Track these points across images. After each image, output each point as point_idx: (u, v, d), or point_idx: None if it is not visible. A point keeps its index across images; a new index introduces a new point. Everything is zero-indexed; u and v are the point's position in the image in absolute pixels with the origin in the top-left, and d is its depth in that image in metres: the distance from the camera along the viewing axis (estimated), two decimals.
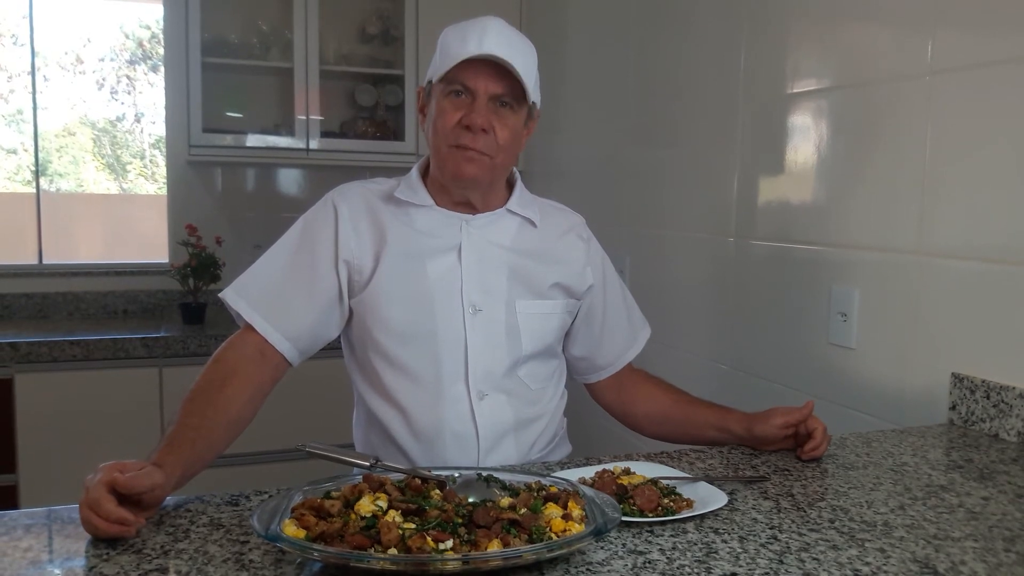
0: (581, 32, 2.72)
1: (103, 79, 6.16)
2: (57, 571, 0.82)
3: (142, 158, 6.00)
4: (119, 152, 6.86)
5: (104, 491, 0.88)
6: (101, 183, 6.98)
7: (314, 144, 2.94)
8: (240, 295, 1.28)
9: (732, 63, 1.90)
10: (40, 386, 2.51)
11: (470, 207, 1.34)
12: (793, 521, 0.96)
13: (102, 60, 6.06)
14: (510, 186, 1.41)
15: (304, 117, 2.92)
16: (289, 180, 3.26)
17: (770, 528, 0.94)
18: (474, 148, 1.25)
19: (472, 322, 1.29)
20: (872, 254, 1.50)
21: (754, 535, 0.92)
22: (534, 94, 1.30)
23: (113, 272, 3.08)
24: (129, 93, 6.23)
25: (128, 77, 6.08)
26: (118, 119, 6.86)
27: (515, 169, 1.41)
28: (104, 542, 0.88)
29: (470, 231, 1.33)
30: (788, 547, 0.88)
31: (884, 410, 1.49)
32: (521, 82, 1.25)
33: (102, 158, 6.88)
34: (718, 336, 1.98)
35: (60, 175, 6.75)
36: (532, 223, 1.38)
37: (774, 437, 1.25)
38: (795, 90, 1.71)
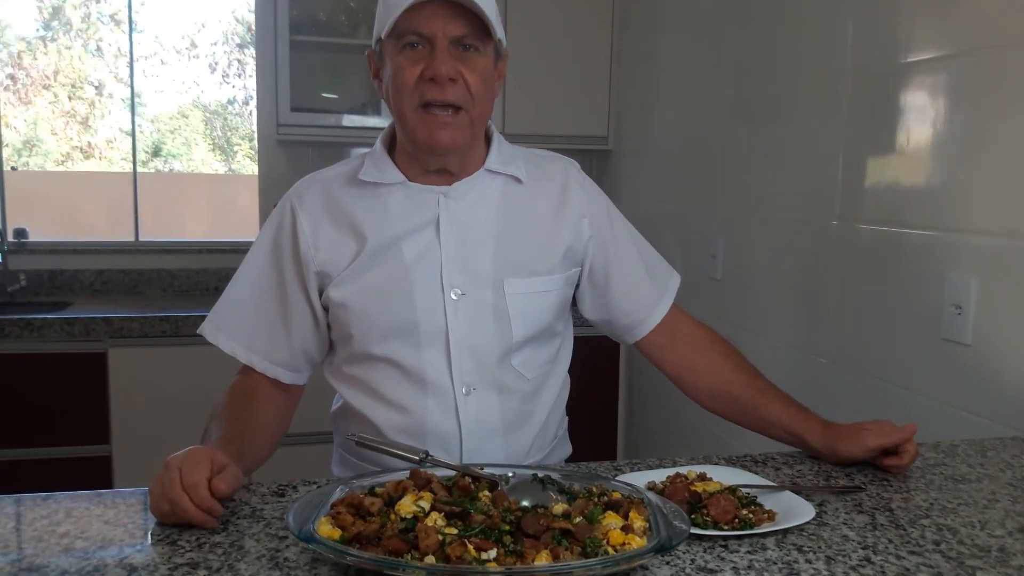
0: (678, 7, 2.58)
1: (215, 63, 6.37)
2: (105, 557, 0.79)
3: (250, 140, 6.15)
4: (229, 134, 7.09)
5: (203, 477, 0.86)
6: (211, 163, 7.23)
7: None
8: (219, 328, 1.20)
9: (838, 32, 1.75)
10: (132, 360, 2.57)
11: (447, 175, 1.18)
12: (890, 541, 0.85)
13: (214, 44, 6.26)
14: (487, 142, 1.23)
15: None
16: None
17: (863, 548, 0.83)
18: (444, 100, 1.08)
19: (454, 308, 1.15)
20: (993, 240, 1.34)
21: (843, 555, 0.81)
22: (498, 29, 1.11)
23: (205, 250, 3.13)
24: (240, 76, 6.42)
25: (239, 61, 6.26)
26: (229, 102, 7.09)
27: (489, 122, 1.22)
28: (173, 527, 0.85)
29: (448, 203, 1.17)
30: (883, 572, 0.77)
31: (1003, 414, 1.33)
32: (483, 16, 1.07)
33: (212, 140, 7.11)
34: (816, 327, 1.83)
35: (173, 156, 7.02)
36: (518, 180, 1.21)
37: (859, 458, 1.09)
38: (908, 59, 1.55)
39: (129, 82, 3.28)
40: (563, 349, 1.29)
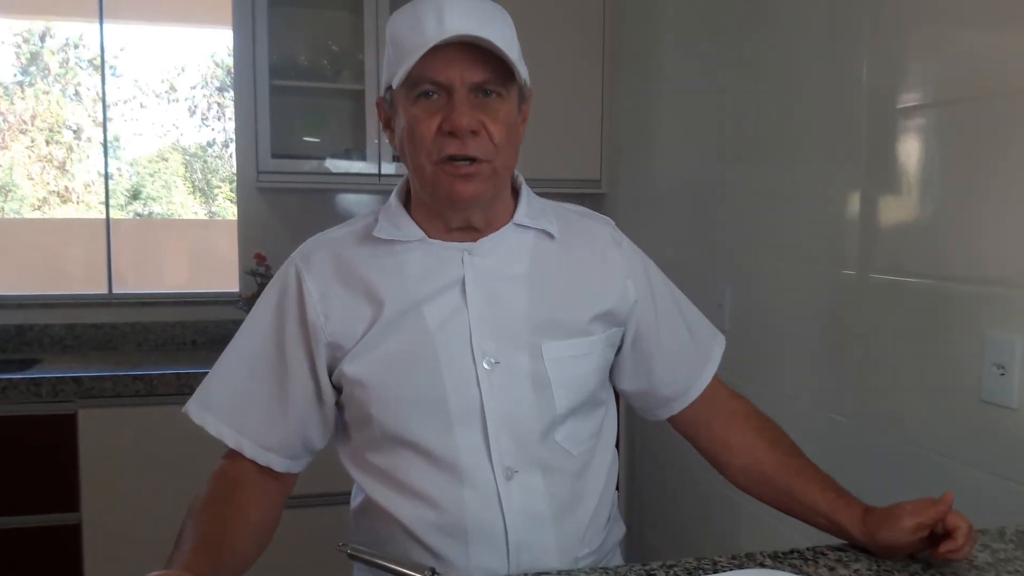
0: (674, 43, 2.50)
1: (195, 106, 6.32)
2: None
3: (230, 182, 6.07)
4: (209, 176, 7.00)
5: None
6: (191, 206, 7.14)
7: (387, 168, 2.79)
8: (205, 407, 1.07)
9: (851, 71, 1.66)
10: (104, 422, 2.42)
11: (471, 231, 1.07)
12: None
13: (194, 88, 6.21)
14: (514, 193, 1.13)
15: (376, 141, 2.77)
16: (361, 205, 3.13)
17: None
18: (465, 155, 0.97)
19: (488, 379, 1.02)
20: None
21: None
22: (522, 70, 1.01)
23: (182, 302, 2.99)
24: (219, 119, 6.39)
25: (218, 104, 6.22)
26: (208, 144, 7.02)
27: (516, 172, 1.12)
28: None
29: (473, 261, 1.05)
30: None
31: None
32: (505, 59, 0.97)
33: (192, 182, 7.03)
34: (835, 384, 1.72)
35: (153, 199, 6.91)
36: (549, 235, 1.10)
37: (903, 544, 0.97)
38: (934, 98, 1.45)
39: (103, 127, 3.16)
40: (607, 419, 1.16)
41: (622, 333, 1.14)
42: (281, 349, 1.06)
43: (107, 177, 3.13)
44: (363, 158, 2.79)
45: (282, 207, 3.02)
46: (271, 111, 2.68)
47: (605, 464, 1.13)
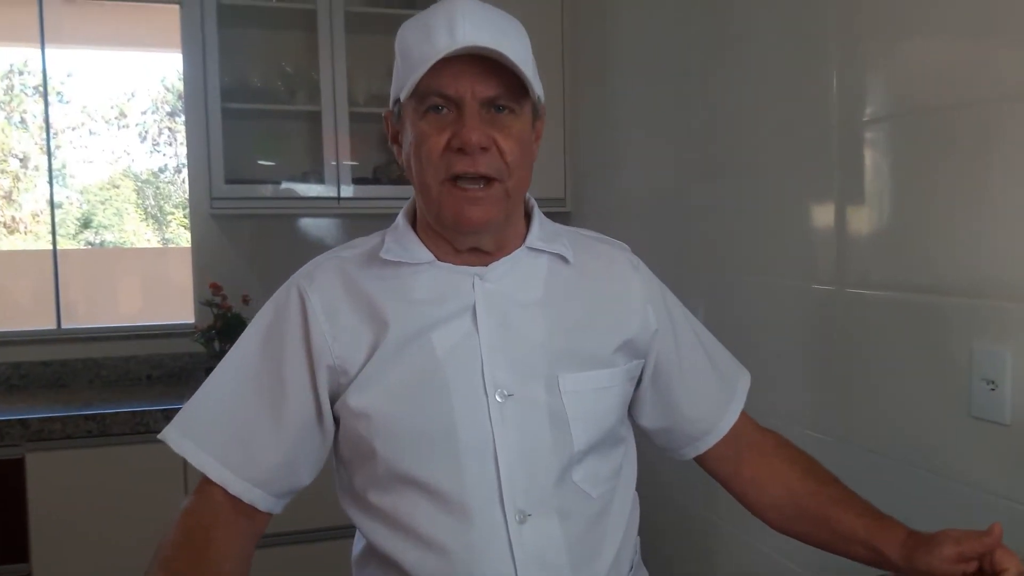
0: (637, 57, 2.46)
1: (145, 131, 6.19)
2: None
3: (183, 208, 5.94)
4: (162, 203, 6.85)
5: None
6: (143, 234, 6.99)
7: (346, 191, 2.71)
8: (185, 434, 0.98)
9: (821, 80, 1.62)
10: (54, 466, 2.29)
11: (481, 254, 1.01)
12: None
13: (144, 113, 6.08)
14: (527, 216, 1.07)
15: (335, 163, 2.69)
16: (321, 230, 3.04)
17: None
18: (476, 173, 0.92)
19: (501, 413, 0.95)
20: None
21: None
22: (537, 86, 0.96)
23: (135, 335, 2.87)
24: (170, 144, 6.27)
25: (170, 129, 6.09)
26: (160, 170, 6.87)
27: (528, 195, 1.06)
28: None
29: (485, 286, 0.99)
30: None
31: None
32: (519, 74, 0.91)
33: (144, 209, 6.88)
34: (816, 402, 1.67)
35: (104, 227, 6.75)
36: (564, 259, 1.04)
37: (941, 573, 0.91)
38: (914, 104, 1.42)
39: (47, 156, 3.05)
40: (627, 459, 1.10)
41: (642, 365, 1.08)
42: (277, 370, 0.99)
43: (53, 206, 3.01)
44: (321, 181, 2.71)
45: (238, 234, 2.92)
46: (224, 135, 2.59)
47: (626, 507, 1.07)
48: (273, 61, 2.83)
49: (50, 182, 3.04)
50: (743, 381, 1.18)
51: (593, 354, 1.01)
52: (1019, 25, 1.20)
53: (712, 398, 1.13)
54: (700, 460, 1.16)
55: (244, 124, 2.78)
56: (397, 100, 0.97)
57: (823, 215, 1.63)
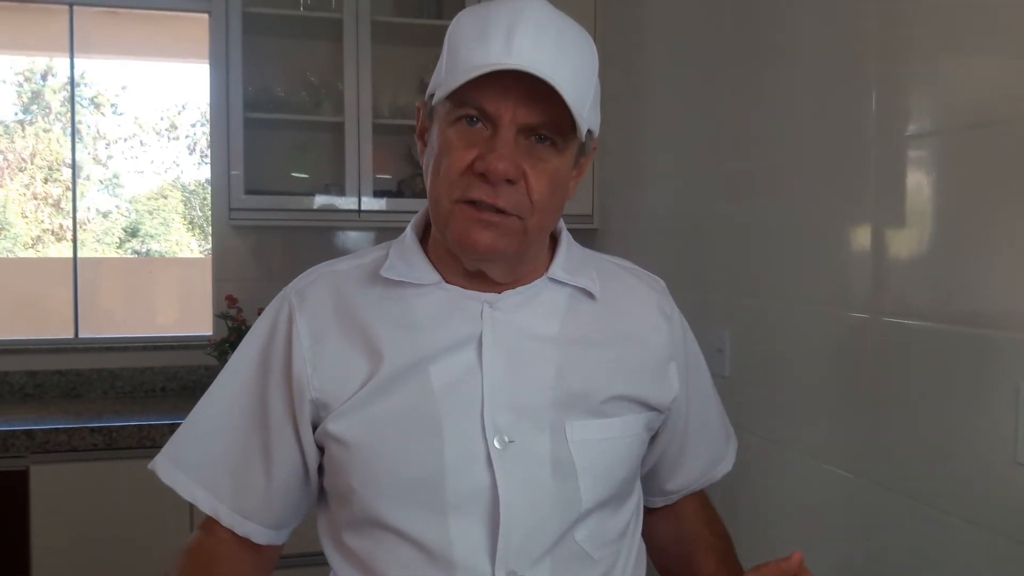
0: (667, 72, 2.36)
1: (194, 143, 6.28)
2: None
3: None
4: (208, 212, 6.95)
5: None
6: (188, 243, 7.10)
7: (368, 204, 2.64)
8: (177, 465, 0.91)
9: (860, 95, 1.50)
10: (58, 478, 2.25)
11: (493, 281, 0.90)
12: None
13: (193, 125, 6.18)
14: (552, 243, 0.96)
15: (357, 175, 2.62)
16: (343, 243, 2.98)
17: None
18: (493, 204, 0.80)
19: (501, 461, 0.83)
20: None
21: None
22: (590, 119, 0.83)
23: (152, 346, 2.83)
24: None
25: None
26: (207, 181, 6.99)
27: (560, 220, 0.95)
28: None
29: (495, 316, 0.88)
30: None
31: None
32: (571, 109, 0.78)
33: (190, 219, 6.98)
34: (843, 437, 1.53)
35: (151, 236, 6.85)
36: (589, 294, 0.93)
37: None
38: (963, 118, 1.29)
39: (72, 170, 3.04)
40: (635, 516, 0.99)
41: (662, 419, 0.99)
42: (264, 404, 0.91)
43: (75, 215, 3.00)
44: (342, 193, 2.64)
45: (259, 246, 2.87)
46: (246, 146, 2.54)
47: (629, 568, 0.96)
48: (298, 71, 2.78)
49: (73, 191, 3.04)
50: (732, 444, 1.13)
51: (606, 402, 0.90)
52: None
53: (703, 459, 1.07)
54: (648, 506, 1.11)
55: (267, 135, 2.73)
56: (432, 95, 0.86)
57: (858, 237, 1.50)
